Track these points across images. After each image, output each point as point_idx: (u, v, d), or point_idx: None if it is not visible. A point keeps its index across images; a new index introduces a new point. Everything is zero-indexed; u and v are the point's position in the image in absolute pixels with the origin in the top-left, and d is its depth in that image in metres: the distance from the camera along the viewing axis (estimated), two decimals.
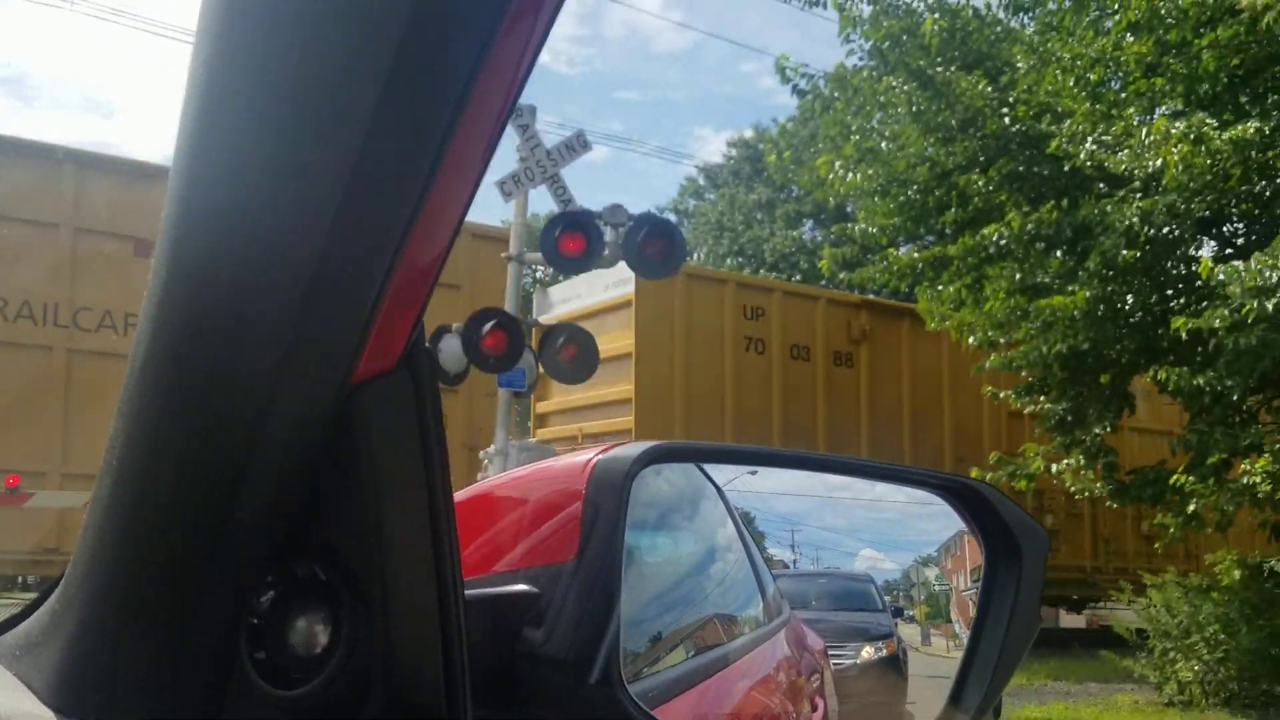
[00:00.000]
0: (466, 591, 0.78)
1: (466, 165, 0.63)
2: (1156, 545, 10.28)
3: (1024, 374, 11.20)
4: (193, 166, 0.63)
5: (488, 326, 9.01)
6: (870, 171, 11.37)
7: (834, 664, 1.42)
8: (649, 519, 1.30)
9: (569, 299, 13.10)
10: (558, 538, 0.92)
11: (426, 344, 0.72)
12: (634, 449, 0.96)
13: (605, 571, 0.88)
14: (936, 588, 1.45)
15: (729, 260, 33.09)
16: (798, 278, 29.74)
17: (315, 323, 0.64)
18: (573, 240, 8.64)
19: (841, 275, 12.39)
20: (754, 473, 1.48)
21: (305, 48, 0.58)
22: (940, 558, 1.46)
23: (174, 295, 0.66)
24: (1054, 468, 10.48)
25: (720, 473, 1.41)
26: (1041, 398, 10.96)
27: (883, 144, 11.42)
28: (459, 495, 1.05)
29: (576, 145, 9.38)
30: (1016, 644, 1.14)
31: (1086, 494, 10.86)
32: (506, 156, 9.46)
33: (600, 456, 0.96)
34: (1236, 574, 9.63)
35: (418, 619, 0.72)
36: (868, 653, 1.44)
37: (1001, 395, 11.43)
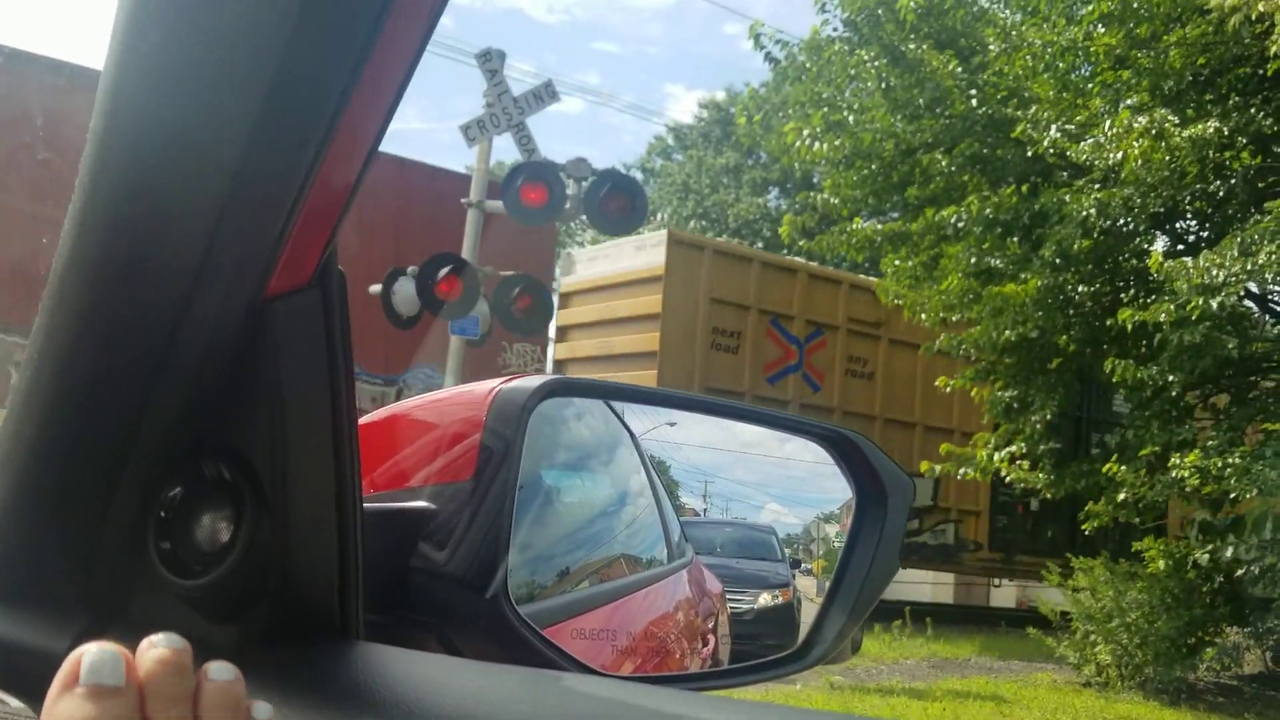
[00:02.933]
0: (366, 505, 0.83)
1: (382, 88, 0.67)
2: (1085, 527, 10.51)
3: (973, 357, 11.36)
4: (118, 78, 0.67)
5: (443, 272, 9.01)
6: (837, 142, 11.44)
7: (731, 608, 1.48)
8: (564, 460, 1.36)
9: (596, 259, 13.85)
10: (461, 461, 0.97)
11: (339, 265, 0.77)
12: (534, 380, 1.01)
13: (499, 494, 0.93)
14: (835, 544, 1.52)
15: (692, 223, 33.09)
16: (760, 245, 29.83)
17: (230, 236, 0.68)
18: (534, 191, 8.64)
19: (801, 243, 12.46)
20: (673, 424, 1.53)
21: None
22: (841, 516, 1.53)
23: (96, 202, 0.70)
24: (994, 457, 10.64)
25: (640, 423, 1.46)
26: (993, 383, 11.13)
27: (850, 116, 11.48)
28: (371, 415, 1.10)
29: (544, 95, 9.35)
30: (875, 583, 1.22)
31: (1023, 485, 11.08)
32: (474, 102, 9.37)
33: (502, 385, 1.00)
34: (1162, 564, 9.90)
35: (315, 523, 0.77)
36: (765, 599, 1.50)
37: (951, 385, 11.58)
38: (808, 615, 1.49)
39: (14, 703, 0.78)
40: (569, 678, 0.69)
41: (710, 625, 1.45)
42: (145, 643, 0.63)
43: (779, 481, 1.58)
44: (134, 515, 0.78)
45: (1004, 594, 17.37)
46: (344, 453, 0.78)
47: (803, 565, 1.49)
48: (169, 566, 0.76)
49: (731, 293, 13.10)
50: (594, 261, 14.07)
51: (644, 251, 13.13)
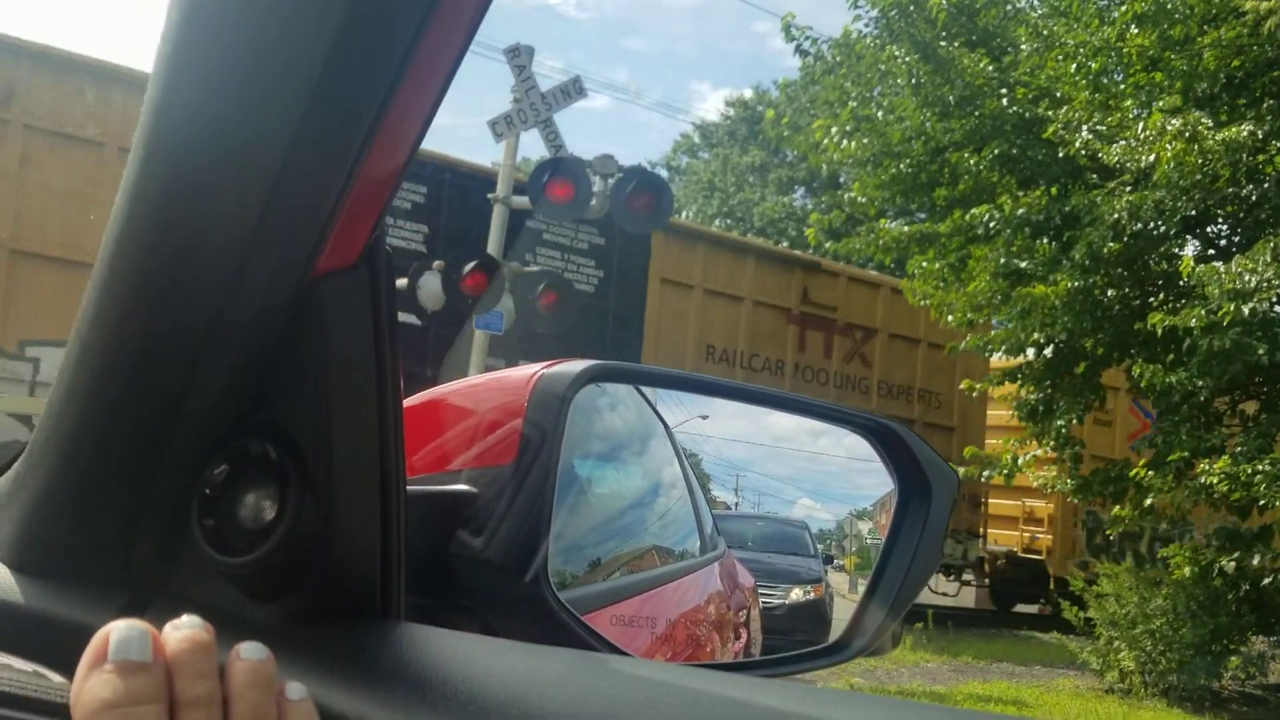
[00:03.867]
0: (409, 487, 0.83)
1: (428, 78, 0.68)
2: (1110, 533, 10.44)
3: (1002, 358, 11.30)
4: (172, 60, 0.67)
5: (469, 267, 9.03)
6: (865, 141, 11.38)
7: (763, 602, 1.48)
8: (599, 451, 1.36)
9: None
10: (501, 445, 0.98)
11: (387, 247, 0.77)
12: (576, 365, 1.01)
13: (539, 479, 0.94)
14: (868, 540, 1.52)
15: (717, 221, 33.07)
16: (785, 244, 29.76)
17: (278, 216, 0.68)
18: (560, 187, 8.63)
19: (827, 244, 12.42)
20: (705, 417, 1.53)
21: None
22: (874, 513, 1.52)
23: (148, 181, 0.70)
24: (1019, 460, 10.57)
25: (673, 414, 1.46)
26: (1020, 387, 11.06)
27: (880, 113, 11.43)
28: (413, 399, 1.11)
29: (572, 91, 9.34)
30: (918, 575, 1.21)
31: (1049, 489, 11.01)
32: (501, 98, 9.40)
33: (544, 371, 1.01)
34: (1187, 571, 9.83)
35: (359, 503, 0.78)
36: (796, 595, 1.50)
37: (978, 388, 11.53)
38: (840, 611, 1.48)
39: (56, 678, 0.79)
40: (616, 660, 0.69)
41: (742, 618, 1.45)
42: (170, 625, 0.63)
43: (811, 476, 1.58)
44: (178, 492, 0.78)
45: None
46: (389, 433, 0.78)
47: (835, 561, 1.49)
48: (212, 543, 0.77)
49: None
50: None
51: None
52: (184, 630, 0.63)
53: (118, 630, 0.61)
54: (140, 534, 0.80)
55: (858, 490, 1.56)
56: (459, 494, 0.95)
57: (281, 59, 0.64)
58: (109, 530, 0.80)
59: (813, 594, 1.48)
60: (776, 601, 1.50)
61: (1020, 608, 16.59)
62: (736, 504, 1.53)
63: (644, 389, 1.39)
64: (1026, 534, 15.57)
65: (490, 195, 10.03)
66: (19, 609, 0.81)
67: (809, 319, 14.10)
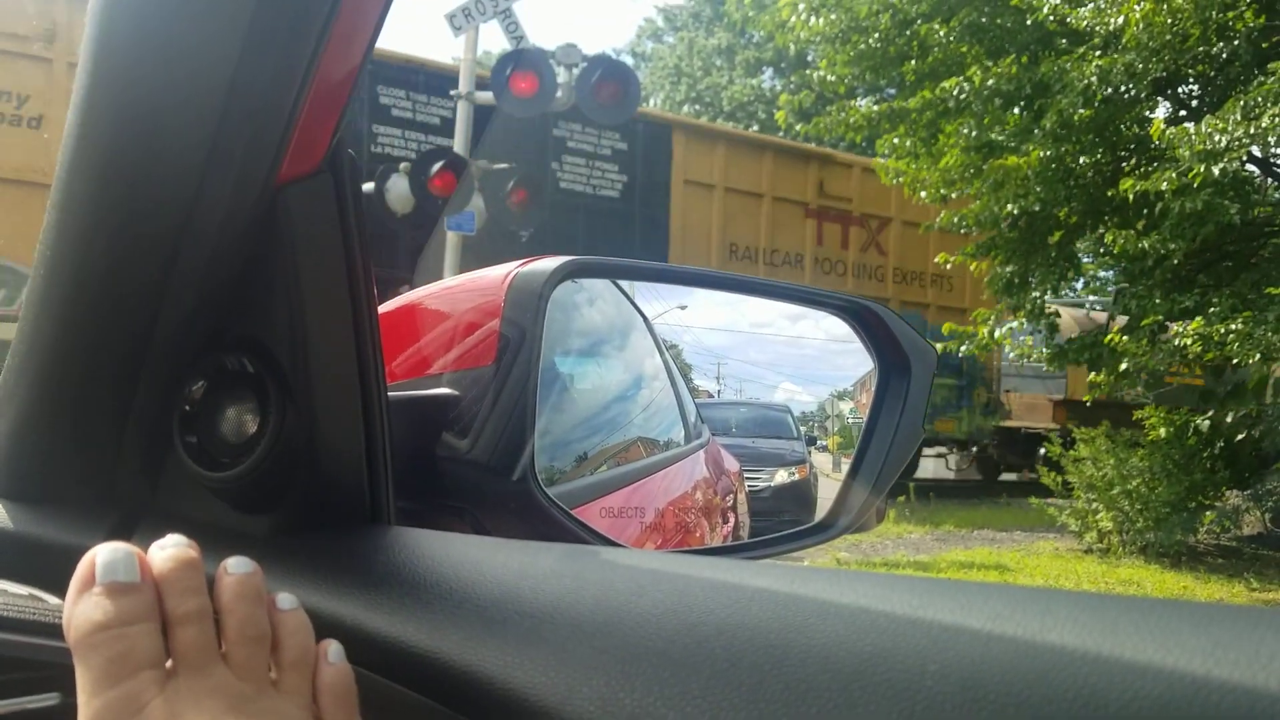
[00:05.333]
0: (391, 393, 0.83)
1: None
2: (1086, 399, 10.59)
3: (974, 233, 11.29)
4: None
5: (436, 167, 8.91)
6: (832, 16, 11.19)
7: (749, 485, 1.50)
8: (579, 346, 1.36)
9: None
10: (480, 347, 0.97)
11: (349, 150, 0.76)
12: (551, 262, 1.01)
13: (520, 377, 0.94)
14: (849, 420, 1.53)
15: (685, 107, 32.61)
16: (755, 127, 29.42)
17: (236, 127, 0.67)
18: (524, 80, 8.49)
19: (798, 126, 12.29)
20: (684, 307, 1.53)
21: None
22: (855, 393, 1.54)
23: (97, 98, 0.69)
24: (996, 333, 10.65)
25: (652, 306, 1.46)
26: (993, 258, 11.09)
27: None
28: (389, 305, 1.10)
29: None
30: (900, 452, 1.23)
31: (1025, 359, 11.12)
32: None
33: (519, 269, 1.00)
34: (1163, 431, 9.98)
35: (341, 410, 0.78)
36: (781, 476, 1.52)
37: (953, 261, 11.54)
38: (824, 491, 1.51)
39: (52, 599, 0.79)
40: (607, 551, 0.70)
41: (730, 503, 1.47)
42: (155, 545, 0.64)
43: (792, 360, 1.59)
44: (158, 410, 0.78)
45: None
46: (365, 338, 0.77)
47: (819, 442, 1.51)
48: (196, 460, 0.77)
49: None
50: None
51: None
52: (169, 549, 0.64)
53: (103, 553, 0.62)
54: (124, 454, 0.80)
55: (838, 371, 1.58)
56: (441, 397, 0.95)
57: None
58: (92, 452, 0.80)
59: (797, 475, 1.51)
60: (762, 484, 1.52)
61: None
62: (719, 391, 1.54)
63: (622, 283, 1.39)
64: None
65: (453, 92, 9.86)
66: (9, 534, 0.82)
67: (825, 212, 14.35)
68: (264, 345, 0.75)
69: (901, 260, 15.30)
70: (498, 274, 1.00)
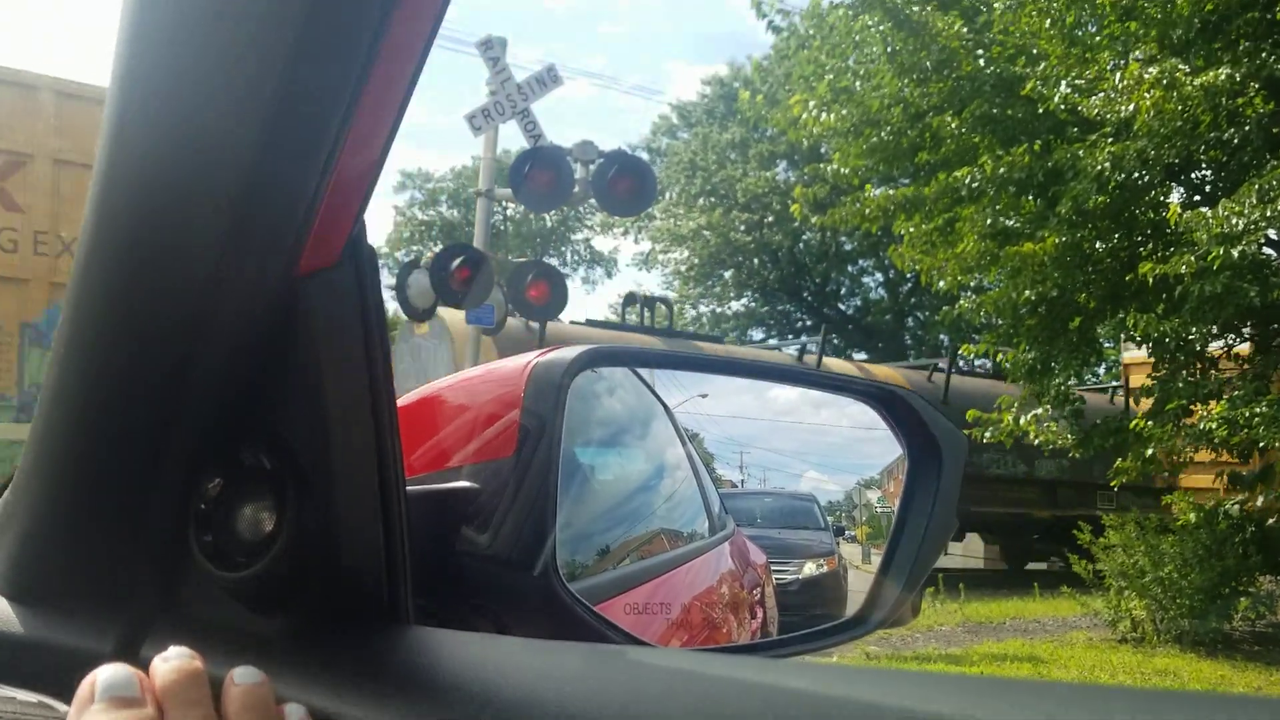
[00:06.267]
0: (409, 487, 0.81)
1: (396, 73, 0.65)
2: (1113, 484, 10.45)
3: (995, 320, 11.27)
4: (130, 69, 0.65)
5: (456, 262, 8.99)
6: (844, 112, 11.34)
7: (776, 579, 1.46)
8: (600, 437, 1.34)
9: None
10: (500, 438, 0.96)
11: (369, 243, 0.75)
12: (570, 352, 0.99)
13: (541, 469, 0.92)
14: (878, 509, 1.50)
15: (700, 200, 32.98)
16: (770, 219, 29.71)
17: (255, 223, 0.66)
18: (542, 176, 8.61)
19: (813, 217, 12.39)
20: (705, 395, 1.51)
21: None
22: (882, 481, 1.51)
23: (115, 191, 0.68)
24: (1021, 420, 10.57)
25: (672, 395, 1.44)
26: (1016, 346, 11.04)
27: (857, 84, 11.38)
28: (407, 398, 1.08)
29: (547, 80, 9.30)
30: (933, 544, 1.20)
31: (1050, 446, 11.01)
32: (478, 91, 9.35)
33: (538, 359, 0.98)
34: (1192, 516, 9.83)
35: (360, 507, 0.75)
36: (809, 569, 1.48)
37: (975, 351, 11.53)
38: (854, 583, 1.47)
39: (61, 707, 0.77)
40: (634, 651, 0.67)
41: (757, 597, 1.43)
42: (158, 658, 0.63)
43: (817, 449, 1.56)
44: (173, 509, 0.76)
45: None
46: (385, 433, 0.76)
47: (847, 532, 1.47)
48: (212, 559, 0.75)
49: None
50: None
51: None
52: (172, 661, 0.63)
53: (103, 674, 0.61)
54: (137, 554, 0.78)
55: (864, 459, 1.55)
56: (460, 490, 0.93)
57: (244, 59, 0.61)
58: (105, 553, 0.78)
59: (826, 567, 1.47)
60: (790, 577, 1.48)
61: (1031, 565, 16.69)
62: (742, 481, 1.51)
63: (642, 371, 1.37)
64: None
65: (472, 189, 9.99)
66: (19, 639, 0.79)
67: None
68: (282, 440, 0.74)
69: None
70: (517, 364, 0.99)
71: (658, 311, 15.82)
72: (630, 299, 15.96)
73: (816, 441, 1.56)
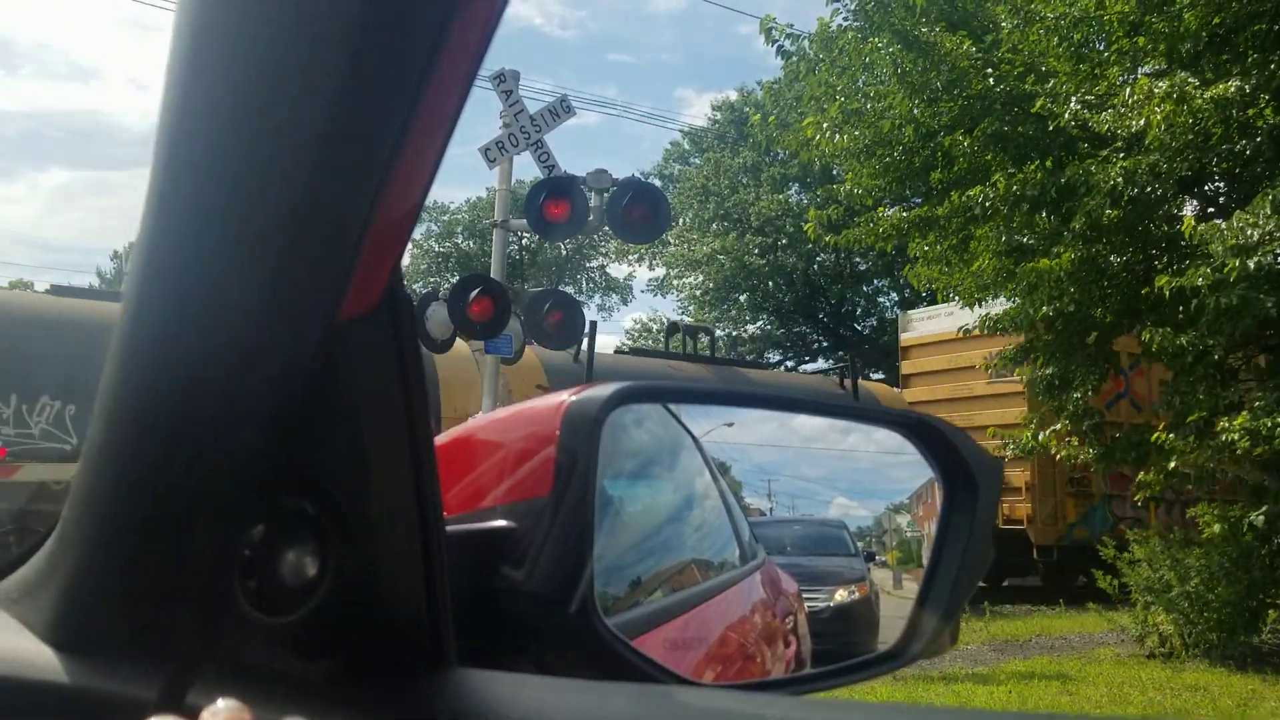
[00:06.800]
0: (447, 527, 0.82)
1: (438, 119, 0.67)
2: (1137, 498, 10.39)
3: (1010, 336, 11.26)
4: (177, 119, 0.66)
5: (473, 294, 9.03)
6: (855, 133, 11.37)
7: (808, 606, 1.46)
8: (628, 469, 1.34)
9: (936, 317, 16.18)
10: (534, 476, 0.96)
11: (405, 289, 0.76)
12: (604, 390, 1.00)
13: (578, 507, 0.92)
14: (908, 534, 1.50)
15: (714, 225, 33.03)
16: (783, 241, 29.73)
17: (298, 271, 0.67)
18: (557, 206, 8.64)
19: (827, 238, 12.41)
20: (731, 425, 1.52)
21: (279, 6, 0.61)
22: (912, 505, 1.51)
23: (160, 245, 0.69)
24: (1040, 435, 10.53)
25: (698, 425, 1.45)
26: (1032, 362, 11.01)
27: (868, 105, 11.42)
28: (440, 438, 1.09)
29: (560, 111, 9.36)
30: (972, 570, 1.19)
31: (1073, 460, 10.96)
32: (491, 124, 9.43)
33: (572, 398, 0.99)
34: (1217, 528, 9.77)
35: (401, 550, 0.76)
36: (841, 595, 1.48)
37: (994, 366, 11.53)
38: (886, 608, 1.46)
39: (32, 644, 0.78)
40: (681, 691, 0.67)
41: (790, 625, 1.43)
42: (206, 712, 0.63)
43: (844, 474, 1.56)
44: (217, 555, 0.77)
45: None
46: (424, 476, 0.77)
47: (877, 558, 1.47)
48: (256, 605, 0.76)
49: None
50: (933, 320, 16.55)
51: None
52: (221, 714, 0.63)
53: None
54: (182, 602, 0.79)
55: (893, 484, 1.55)
56: (498, 530, 0.94)
57: (293, 91, 0.63)
58: (151, 601, 0.79)
59: (857, 593, 1.46)
60: (821, 604, 1.48)
61: (1016, 581, 16.58)
62: (771, 509, 1.51)
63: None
64: (1004, 503, 15.67)
65: (488, 220, 10.05)
66: (64, 688, 0.80)
67: None
68: (323, 486, 0.75)
69: None
70: (550, 403, 1.00)
71: (700, 341, 16.20)
72: (673, 328, 16.25)
73: (844, 467, 1.56)
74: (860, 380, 16.95)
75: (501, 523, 0.95)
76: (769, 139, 15.63)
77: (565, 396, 1.00)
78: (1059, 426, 10.61)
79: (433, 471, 0.78)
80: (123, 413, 0.75)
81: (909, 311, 18.30)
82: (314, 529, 0.75)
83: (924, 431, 1.25)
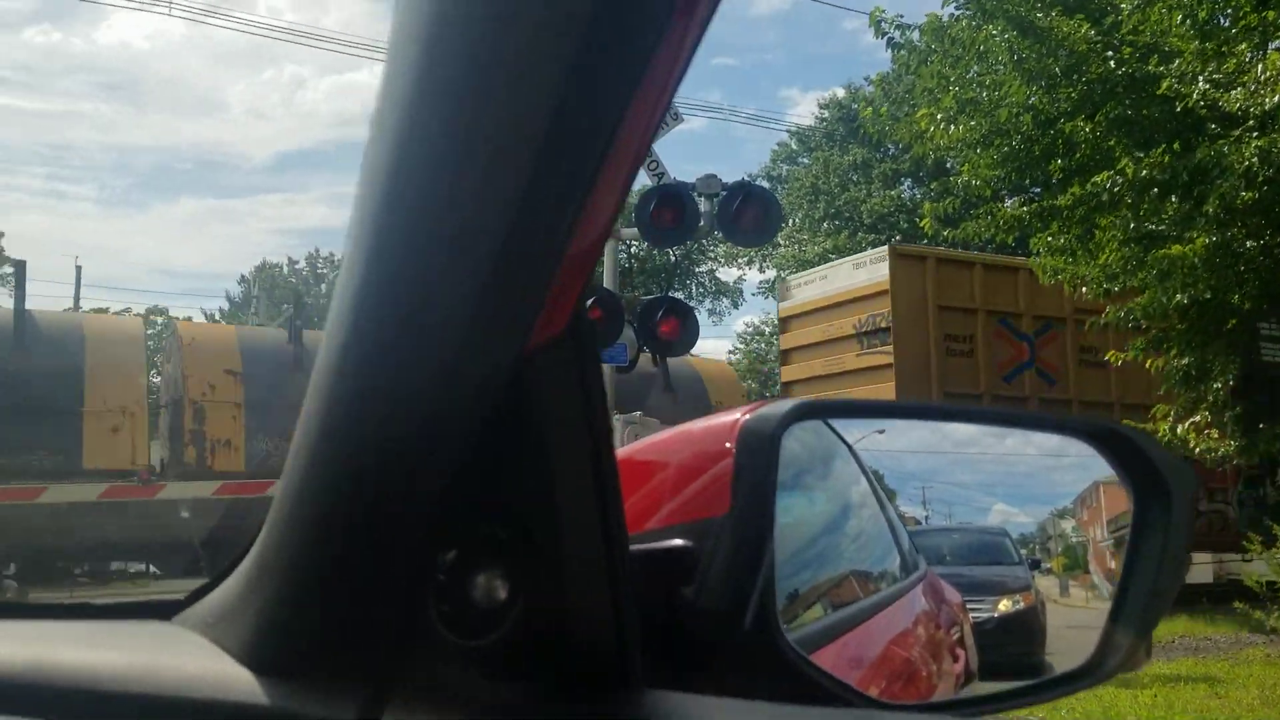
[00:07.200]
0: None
1: (632, 150, 0.66)
2: None
3: (1143, 327, 10.88)
4: (395, 151, 0.67)
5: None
6: (971, 123, 11.13)
7: (972, 617, 1.42)
8: (786, 480, 1.32)
9: (812, 281, 14.97)
10: (707, 495, 0.95)
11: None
12: (781, 406, 0.99)
13: (758, 525, 0.91)
14: (1073, 539, 1.45)
15: (825, 224, 32.70)
16: (897, 238, 29.30)
17: (498, 297, 0.68)
18: (667, 213, 8.65)
19: (945, 232, 12.17)
20: (882, 431, 1.48)
21: (492, 45, 0.62)
22: (1076, 509, 1.46)
23: (367, 275, 0.71)
24: (1178, 429, 10.15)
25: (849, 431, 1.42)
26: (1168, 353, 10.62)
27: (983, 94, 11.17)
28: None
29: (668, 119, 9.37)
30: (1168, 582, 1.14)
31: (1214, 454, 10.52)
32: None
33: (747, 416, 0.98)
34: None
35: (589, 573, 0.76)
36: (1005, 605, 1.44)
37: (1122, 360, 11.15)
38: (1053, 618, 1.41)
39: (230, 667, 0.79)
40: (879, 715, 0.65)
41: (956, 637, 1.39)
42: None
43: (1003, 480, 1.52)
44: (412, 579, 0.77)
45: (1199, 569, 16.55)
46: (608, 499, 0.76)
47: (1042, 565, 1.42)
48: (451, 629, 0.76)
49: (958, 298, 13.62)
50: (809, 285, 14.96)
51: (863, 269, 13.82)
52: None
53: None
54: (378, 625, 0.79)
55: (1055, 489, 1.50)
56: (675, 549, 0.93)
57: (505, 141, 0.64)
58: (347, 625, 0.80)
59: (1022, 603, 1.42)
60: (984, 615, 1.44)
61: (1192, 575, 15.94)
62: (926, 517, 1.47)
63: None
64: None
65: None
66: (265, 710, 0.82)
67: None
68: (514, 511, 0.75)
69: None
70: (724, 421, 0.99)
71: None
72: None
73: (1002, 472, 1.51)
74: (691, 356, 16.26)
75: (679, 542, 0.94)
76: (881, 133, 15.36)
77: (739, 414, 0.99)
78: (1197, 419, 10.21)
79: (617, 494, 0.77)
80: (324, 441, 0.76)
81: (789, 278, 16.69)
82: (504, 553, 0.76)
83: (1112, 440, 1.21)
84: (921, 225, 13.07)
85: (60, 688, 0.82)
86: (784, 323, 15.28)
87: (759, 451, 0.94)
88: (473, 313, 0.68)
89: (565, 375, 0.74)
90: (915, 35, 12.28)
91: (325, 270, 55.02)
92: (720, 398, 16.62)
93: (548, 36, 0.61)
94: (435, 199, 0.67)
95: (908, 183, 32.35)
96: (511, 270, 0.67)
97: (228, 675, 0.83)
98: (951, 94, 11.36)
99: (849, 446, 1.41)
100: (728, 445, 0.96)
